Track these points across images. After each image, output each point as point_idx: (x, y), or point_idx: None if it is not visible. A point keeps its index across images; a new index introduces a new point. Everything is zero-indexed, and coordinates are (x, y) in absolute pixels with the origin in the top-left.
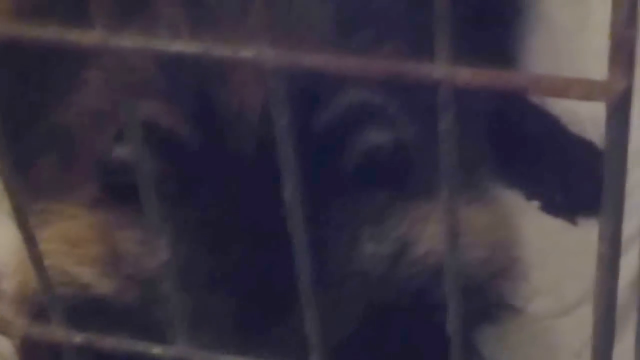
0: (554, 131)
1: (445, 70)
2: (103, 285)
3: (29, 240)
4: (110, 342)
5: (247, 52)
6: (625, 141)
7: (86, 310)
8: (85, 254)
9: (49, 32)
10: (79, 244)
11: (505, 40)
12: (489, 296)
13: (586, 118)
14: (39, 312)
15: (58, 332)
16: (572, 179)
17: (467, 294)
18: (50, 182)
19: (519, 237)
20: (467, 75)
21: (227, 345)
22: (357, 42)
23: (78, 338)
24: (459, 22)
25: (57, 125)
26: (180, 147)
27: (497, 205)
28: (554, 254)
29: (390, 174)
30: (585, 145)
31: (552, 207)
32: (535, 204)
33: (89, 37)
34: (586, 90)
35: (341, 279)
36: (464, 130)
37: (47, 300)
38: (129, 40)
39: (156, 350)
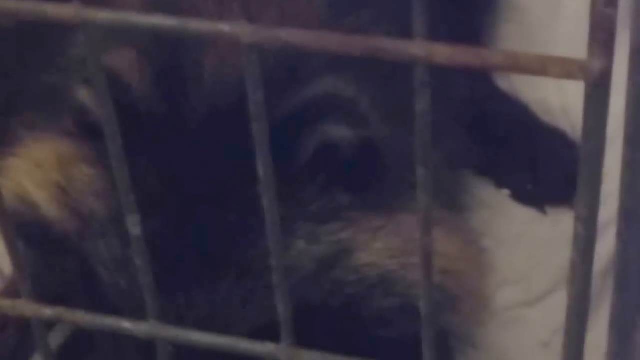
0: (526, 120)
1: (423, 47)
2: (51, 210)
3: None
4: (79, 316)
5: (224, 27)
6: (604, 120)
7: (34, 233)
8: (44, 177)
9: (26, 6)
10: (41, 166)
11: (478, 29)
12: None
13: (557, 108)
14: None
15: (28, 307)
16: (542, 168)
17: (412, 316)
18: (31, 117)
19: (480, 266)
20: (445, 52)
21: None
22: (349, 25)
23: (48, 313)
24: (433, 10)
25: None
26: (136, 100)
27: (463, 228)
28: (523, 244)
29: (348, 174)
30: (556, 135)
31: (522, 196)
32: (506, 192)
33: (64, 11)
34: (565, 68)
35: (266, 268)
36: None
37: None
38: (104, 14)
39: (126, 325)
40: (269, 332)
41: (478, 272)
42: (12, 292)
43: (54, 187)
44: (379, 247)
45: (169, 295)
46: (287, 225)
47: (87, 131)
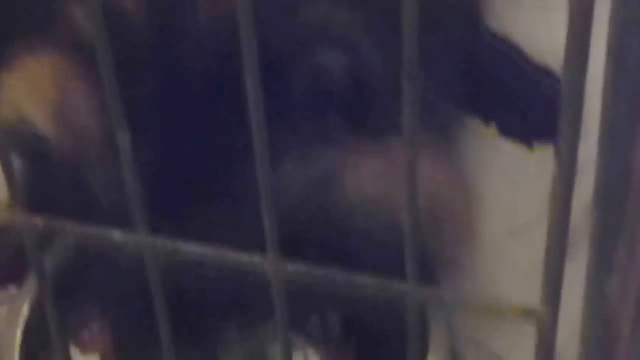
0: (514, 57)
1: None
2: (47, 128)
3: None
4: (71, 227)
5: None
6: (585, 53)
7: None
8: (41, 95)
9: None
10: (38, 84)
11: None
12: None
13: (546, 48)
14: None
15: (19, 217)
16: (530, 105)
17: (397, 236)
18: (31, 40)
19: (465, 190)
20: None
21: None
22: None
23: (39, 222)
24: None
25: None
26: (130, 26)
27: (451, 153)
28: (509, 176)
29: (340, 101)
30: (544, 73)
31: (509, 131)
32: (493, 127)
33: None
34: None
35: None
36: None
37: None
38: None
39: (116, 236)
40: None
41: (464, 196)
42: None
43: (51, 105)
44: (367, 171)
45: (162, 218)
46: (277, 149)
47: (83, 50)
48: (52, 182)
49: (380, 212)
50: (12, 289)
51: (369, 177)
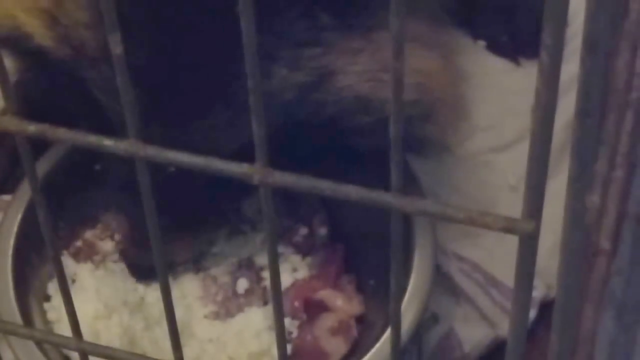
0: None
1: None
2: (44, 39)
3: None
4: (62, 133)
5: None
6: None
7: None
8: (35, 5)
9: None
10: None
11: None
12: (411, 133)
13: None
14: None
15: (12, 123)
16: (517, 21)
17: (385, 130)
18: None
19: (456, 80)
20: None
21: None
22: None
23: (31, 128)
24: None
25: None
26: None
27: (439, 46)
28: (495, 93)
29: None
30: None
31: (497, 47)
32: (482, 43)
33: None
34: None
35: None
36: None
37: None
38: None
39: (107, 142)
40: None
41: (454, 84)
42: None
43: (46, 15)
44: (358, 69)
45: (158, 122)
46: (270, 52)
47: None
48: (48, 88)
49: (371, 108)
50: (6, 196)
51: (361, 75)
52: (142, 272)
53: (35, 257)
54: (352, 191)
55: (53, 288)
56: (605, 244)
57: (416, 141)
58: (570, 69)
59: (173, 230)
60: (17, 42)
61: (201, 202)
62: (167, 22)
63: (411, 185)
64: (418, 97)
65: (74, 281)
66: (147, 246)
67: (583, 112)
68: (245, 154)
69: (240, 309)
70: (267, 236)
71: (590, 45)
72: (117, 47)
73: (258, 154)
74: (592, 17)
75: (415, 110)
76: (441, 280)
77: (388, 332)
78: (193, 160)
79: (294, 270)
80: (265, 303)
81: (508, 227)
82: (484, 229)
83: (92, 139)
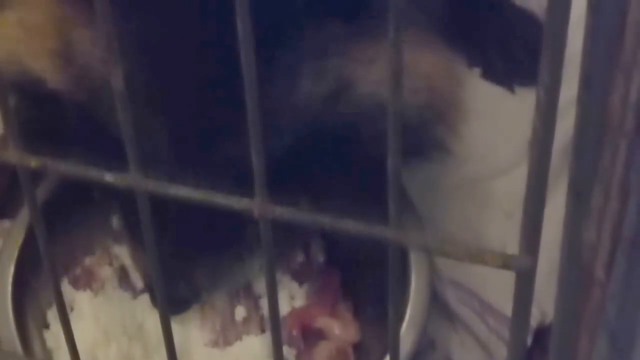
0: (497, 2)
1: None
2: (56, 80)
3: None
4: (64, 167)
5: None
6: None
7: (39, 104)
8: (42, 46)
9: None
10: (36, 34)
11: None
12: (423, 137)
13: None
14: None
15: (13, 156)
16: (512, 48)
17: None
18: None
19: (460, 84)
20: None
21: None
22: None
23: (33, 162)
24: None
25: None
26: None
27: (442, 51)
28: (490, 119)
29: (341, 8)
30: (527, 16)
31: (492, 74)
32: (477, 70)
33: None
34: None
35: (276, 109)
36: None
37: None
38: None
39: (109, 177)
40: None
41: (458, 86)
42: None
43: (56, 57)
44: (376, 78)
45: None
46: (293, 66)
47: None
48: (51, 121)
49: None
50: (6, 223)
51: (379, 82)
52: (175, 304)
53: (35, 284)
54: (350, 226)
55: (52, 315)
56: (600, 274)
57: (428, 146)
58: (568, 92)
59: (196, 258)
60: (25, 87)
61: (222, 227)
62: (168, 48)
63: (408, 212)
64: (429, 99)
65: (72, 308)
66: (174, 277)
67: (580, 149)
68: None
69: (238, 337)
70: (266, 268)
71: (587, 82)
72: (118, 83)
73: (258, 188)
74: (588, 54)
75: (428, 114)
76: (437, 306)
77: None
78: (193, 195)
79: (291, 298)
80: (263, 331)
81: (506, 264)
82: (482, 265)
83: (93, 173)
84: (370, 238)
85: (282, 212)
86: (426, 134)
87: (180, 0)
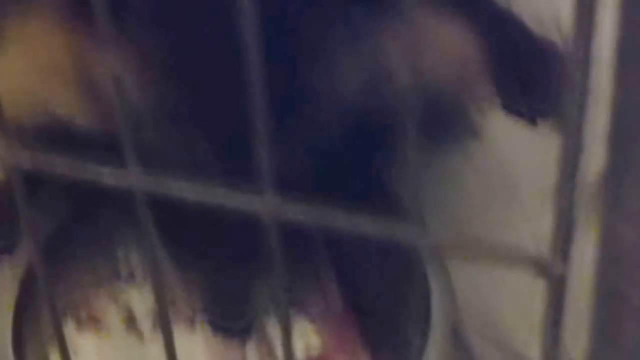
0: (517, 31)
1: None
2: (81, 116)
3: None
4: (60, 166)
5: None
6: (591, 28)
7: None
8: (61, 80)
9: None
10: (53, 66)
11: None
12: (455, 116)
13: (550, 21)
14: None
15: (6, 155)
16: (534, 80)
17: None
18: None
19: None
20: None
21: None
22: None
23: (27, 162)
24: None
25: None
26: None
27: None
28: (505, 173)
29: None
30: (548, 47)
31: (512, 107)
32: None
33: None
34: None
35: (315, 103)
36: None
37: None
38: None
39: (106, 174)
40: None
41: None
42: None
43: (76, 91)
44: (409, 63)
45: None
46: (331, 58)
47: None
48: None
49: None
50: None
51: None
52: (235, 331)
53: (35, 324)
54: (367, 221)
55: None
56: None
57: (459, 127)
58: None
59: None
60: (51, 132)
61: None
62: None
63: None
64: (460, 74)
65: (75, 353)
66: (228, 302)
67: (614, 146)
68: None
69: None
70: (276, 278)
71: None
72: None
73: (265, 182)
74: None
75: (458, 89)
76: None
77: None
78: (198, 195)
79: (307, 346)
80: None
81: (535, 265)
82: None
83: (90, 171)
84: (393, 239)
85: (294, 209)
86: (458, 113)
87: (202, 10)
